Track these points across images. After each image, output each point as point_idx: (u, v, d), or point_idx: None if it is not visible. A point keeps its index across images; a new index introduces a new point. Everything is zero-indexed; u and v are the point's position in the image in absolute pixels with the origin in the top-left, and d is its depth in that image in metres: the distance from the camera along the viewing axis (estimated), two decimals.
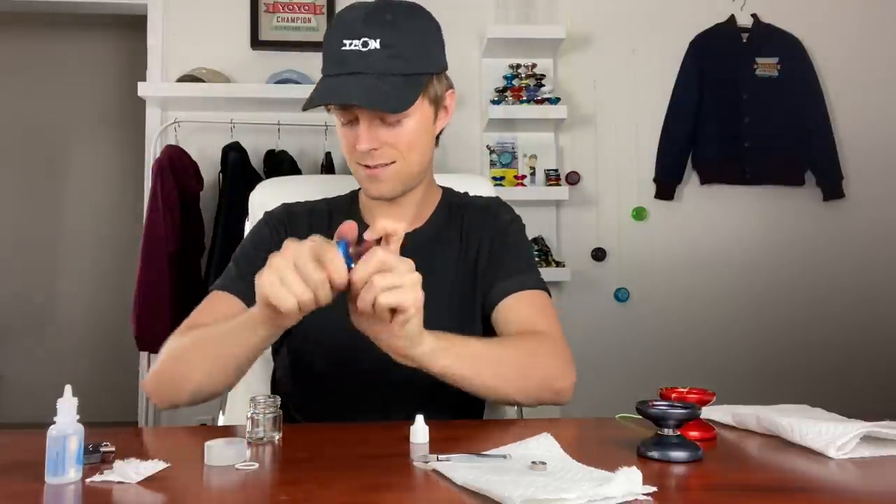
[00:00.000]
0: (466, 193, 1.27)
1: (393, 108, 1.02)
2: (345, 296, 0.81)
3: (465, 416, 1.14)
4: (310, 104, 1.03)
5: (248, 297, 0.95)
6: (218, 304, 1.09)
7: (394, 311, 0.79)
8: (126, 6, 3.02)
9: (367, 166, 1.07)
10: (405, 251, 0.87)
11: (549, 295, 1.16)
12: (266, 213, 1.21)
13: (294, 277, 0.76)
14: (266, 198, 1.35)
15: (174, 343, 1.02)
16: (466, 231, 1.18)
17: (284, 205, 1.22)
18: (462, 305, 1.15)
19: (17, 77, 4.40)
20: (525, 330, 1.08)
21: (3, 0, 3.15)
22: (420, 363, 0.89)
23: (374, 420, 1.03)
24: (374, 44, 1.00)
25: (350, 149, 1.07)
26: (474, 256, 1.17)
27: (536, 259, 2.79)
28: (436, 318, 0.91)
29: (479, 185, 1.38)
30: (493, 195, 1.32)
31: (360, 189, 1.20)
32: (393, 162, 1.07)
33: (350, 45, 1.01)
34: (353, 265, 0.78)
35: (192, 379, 0.97)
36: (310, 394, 1.16)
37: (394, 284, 0.77)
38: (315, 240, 0.79)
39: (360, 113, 1.03)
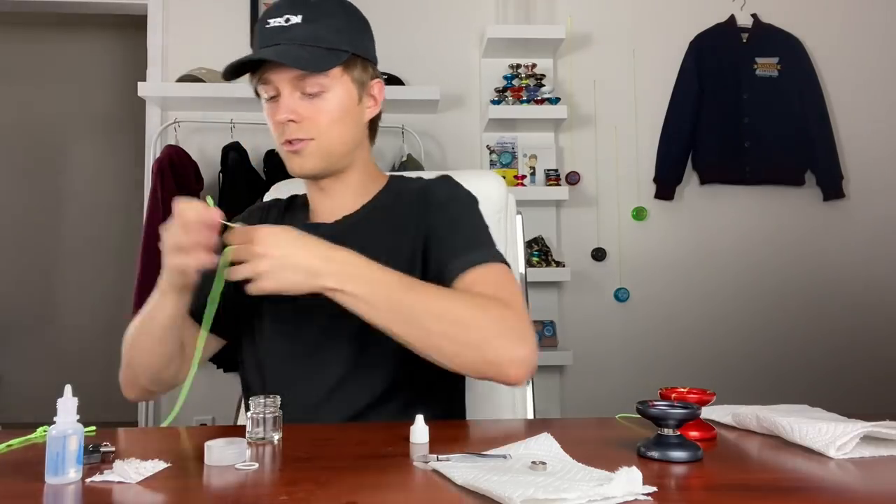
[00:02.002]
0: (415, 177, 1.23)
1: (305, 67, 1.02)
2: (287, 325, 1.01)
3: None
4: (228, 69, 1.05)
5: (197, 296, 1.05)
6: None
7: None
8: (126, 6, 3.02)
9: (289, 143, 1.06)
10: (333, 235, 0.95)
11: (509, 267, 1.05)
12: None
13: (175, 245, 0.95)
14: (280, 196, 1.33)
15: (126, 335, 1.10)
16: (403, 213, 1.11)
17: (255, 205, 1.27)
18: None
19: (18, 77, 4.40)
20: None
21: (4, 0, 3.15)
22: (334, 297, 0.90)
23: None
24: (296, 19, 1.03)
25: (274, 125, 1.07)
26: (409, 242, 1.09)
27: (536, 260, 2.79)
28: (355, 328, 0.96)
29: (488, 180, 1.35)
30: (501, 191, 1.31)
31: None
32: (312, 139, 1.06)
33: (273, 22, 1.05)
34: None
35: (143, 363, 1.07)
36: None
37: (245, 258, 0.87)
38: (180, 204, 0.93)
39: (281, 84, 1.04)
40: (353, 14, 1.11)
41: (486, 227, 1.10)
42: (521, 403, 1.31)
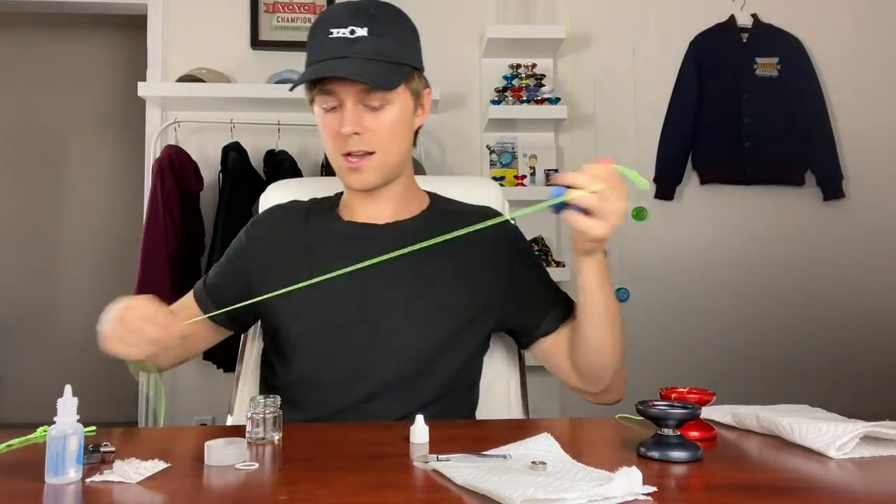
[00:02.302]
0: (456, 200, 1.26)
1: (380, 85, 1.03)
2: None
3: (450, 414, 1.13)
4: (301, 80, 1.07)
5: (207, 307, 1.16)
6: (183, 307, 1.20)
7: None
8: (126, 6, 3.02)
9: (349, 156, 1.08)
10: (385, 239, 1.07)
11: None
12: (254, 216, 1.28)
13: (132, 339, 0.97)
14: (275, 199, 1.35)
15: None
16: (460, 238, 1.12)
17: (273, 205, 1.27)
18: (444, 304, 1.12)
19: (18, 77, 4.39)
20: None
21: (4, 0, 3.15)
22: (594, 265, 1.02)
23: (358, 407, 1.07)
24: (362, 31, 1.03)
25: (333, 136, 1.08)
26: (472, 263, 1.14)
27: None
28: (409, 308, 1.09)
29: (483, 187, 1.38)
30: (498, 198, 1.36)
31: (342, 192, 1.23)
32: (373, 152, 1.08)
33: (337, 32, 1.04)
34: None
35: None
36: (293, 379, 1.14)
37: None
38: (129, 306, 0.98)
39: (346, 96, 1.05)
40: (409, 23, 1.13)
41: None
42: (516, 403, 1.32)
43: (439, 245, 1.04)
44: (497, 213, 1.21)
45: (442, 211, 1.21)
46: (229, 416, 1.34)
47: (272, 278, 1.09)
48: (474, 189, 1.35)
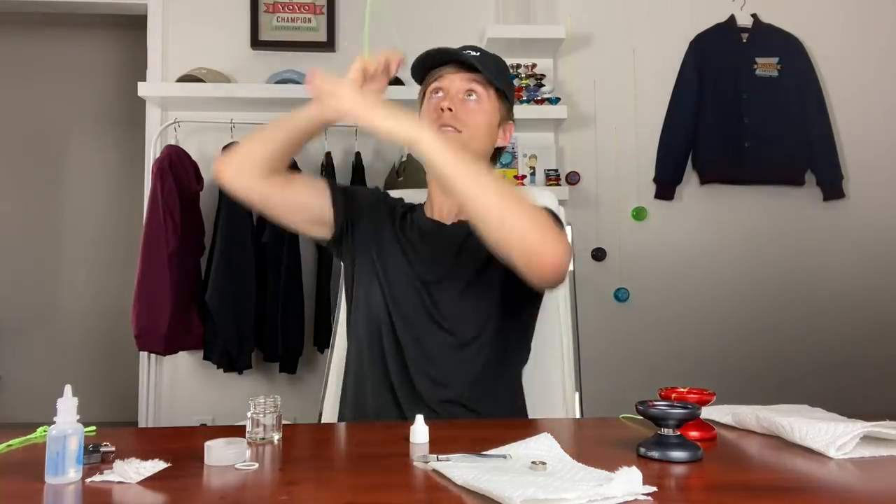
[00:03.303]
0: None
1: (485, 73, 1.28)
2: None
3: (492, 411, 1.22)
4: (426, 57, 1.30)
5: (335, 199, 1.32)
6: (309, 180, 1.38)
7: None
8: (126, 6, 3.02)
9: (443, 126, 1.26)
10: (440, 237, 1.30)
11: (561, 223, 1.24)
12: (383, 192, 1.47)
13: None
14: None
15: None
16: None
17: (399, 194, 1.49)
18: (481, 291, 1.26)
19: (17, 77, 4.39)
20: None
21: (3, 0, 3.15)
22: (408, 132, 1.05)
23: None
24: (474, 53, 1.31)
25: (435, 112, 1.28)
26: None
27: None
28: (457, 302, 1.23)
29: (540, 196, 1.53)
30: (552, 205, 1.52)
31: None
32: (459, 130, 1.27)
33: (451, 48, 1.31)
34: None
35: (264, 149, 1.23)
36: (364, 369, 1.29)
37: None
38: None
39: (452, 83, 1.29)
40: (507, 70, 1.39)
41: (556, 215, 1.25)
42: (571, 403, 1.41)
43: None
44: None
45: None
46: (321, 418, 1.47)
47: (378, 240, 1.31)
48: (530, 196, 1.47)
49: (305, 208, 1.30)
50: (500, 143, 1.37)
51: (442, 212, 1.35)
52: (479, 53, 1.31)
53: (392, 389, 1.22)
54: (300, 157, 2.78)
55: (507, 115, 1.38)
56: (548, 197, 1.54)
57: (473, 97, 1.29)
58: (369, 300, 1.28)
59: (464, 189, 1.04)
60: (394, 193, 1.50)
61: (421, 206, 1.41)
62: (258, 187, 1.22)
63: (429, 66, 1.32)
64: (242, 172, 1.22)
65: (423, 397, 1.19)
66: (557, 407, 1.39)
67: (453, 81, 1.29)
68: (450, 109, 1.26)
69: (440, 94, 1.30)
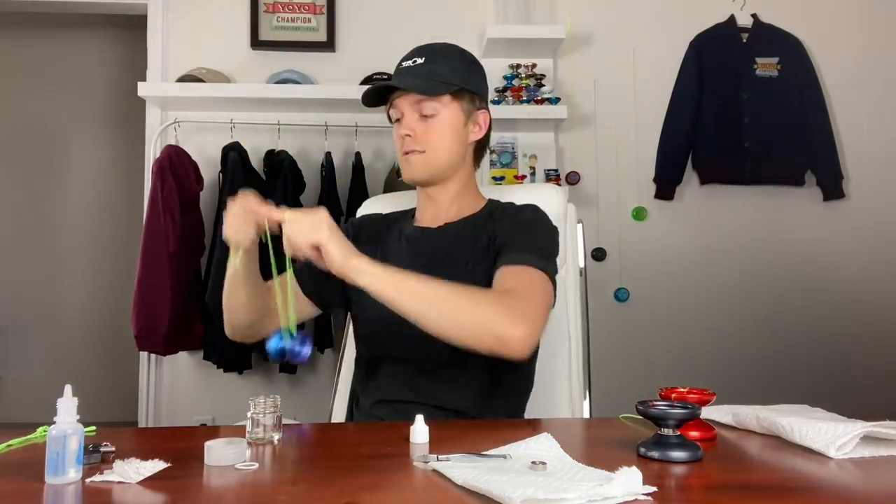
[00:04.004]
0: (511, 203, 1.38)
1: (421, 90, 1.27)
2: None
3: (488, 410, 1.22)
4: (365, 96, 1.32)
5: (306, 288, 1.34)
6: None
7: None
8: (126, 6, 3.02)
9: (405, 153, 1.30)
10: (430, 241, 1.31)
11: (553, 284, 1.17)
12: (351, 219, 1.52)
13: (239, 224, 1.11)
14: (372, 211, 1.54)
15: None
16: (493, 229, 1.29)
17: (367, 214, 1.53)
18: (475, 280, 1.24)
19: (18, 77, 4.39)
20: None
21: (3, 0, 3.15)
22: (350, 278, 1.04)
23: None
24: (420, 60, 1.30)
25: (399, 141, 1.31)
26: (484, 250, 1.26)
27: None
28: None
29: (547, 192, 1.54)
30: (560, 203, 1.51)
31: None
32: (423, 151, 1.29)
33: (405, 63, 1.32)
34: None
35: (239, 320, 1.26)
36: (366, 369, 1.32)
37: (297, 231, 1.03)
38: (245, 195, 1.12)
39: (403, 107, 1.30)
40: (469, 60, 1.36)
41: (550, 246, 1.25)
42: (578, 404, 1.43)
43: (470, 236, 1.29)
44: (535, 206, 1.33)
45: (487, 210, 1.36)
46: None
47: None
48: (536, 193, 1.49)
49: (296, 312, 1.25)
50: (475, 137, 1.35)
51: (425, 217, 1.37)
52: (422, 60, 1.30)
53: (391, 399, 1.24)
54: (299, 158, 2.78)
55: (475, 106, 1.35)
56: (552, 194, 1.52)
57: (429, 116, 1.29)
58: (364, 313, 1.31)
59: (413, 315, 1.04)
60: (373, 206, 1.56)
61: (413, 211, 1.43)
62: (259, 330, 1.26)
63: (380, 95, 1.32)
64: (237, 331, 1.28)
65: (422, 406, 1.18)
66: (563, 410, 1.39)
67: (404, 107, 1.30)
68: (409, 136, 1.29)
69: (399, 120, 1.32)
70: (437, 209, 1.36)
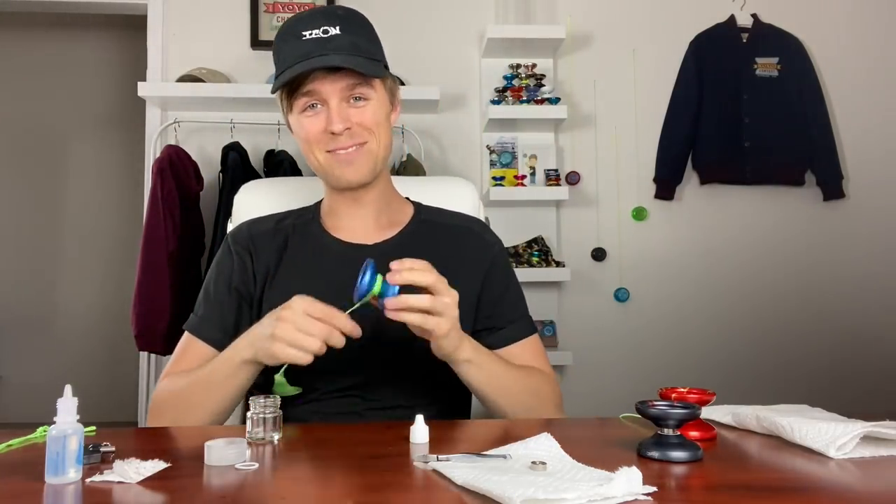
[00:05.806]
0: (441, 210, 1.25)
1: (369, 72, 1.06)
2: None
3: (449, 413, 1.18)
4: (286, 79, 1.04)
5: (217, 343, 1.08)
6: (193, 353, 1.12)
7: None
8: (126, 6, 3.02)
9: (339, 151, 1.08)
10: (381, 255, 1.00)
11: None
12: (230, 235, 1.21)
13: (303, 338, 0.89)
14: (251, 199, 1.37)
15: (167, 392, 1.08)
16: (446, 254, 1.11)
17: (249, 225, 1.21)
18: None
19: (18, 77, 4.40)
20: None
21: (4, 0, 3.15)
22: (452, 361, 0.99)
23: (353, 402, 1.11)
24: (334, 30, 1.05)
25: (316, 136, 1.08)
26: (461, 283, 0.99)
27: (536, 260, 2.79)
28: (399, 331, 0.95)
29: (457, 187, 1.40)
30: (473, 199, 1.38)
31: (320, 201, 1.22)
32: (365, 142, 1.09)
33: (310, 34, 1.04)
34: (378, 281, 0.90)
35: (196, 417, 1.03)
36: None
37: (449, 307, 0.91)
38: (307, 299, 0.91)
39: (331, 94, 1.06)
40: (372, 26, 1.14)
41: (518, 284, 1.24)
42: None
43: (424, 257, 0.98)
44: (485, 227, 1.25)
45: (428, 224, 1.21)
46: None
47: (278, 286, 1.12)
48: (450, 189, 1.37)
49: (243, 386, 1.03)
50: (394, 121, 1.17)
51: (350, 227, 1.16)
52: (336, 31, 1.04)
53: (358, 401, 1.12)
54: (299, 158, 2.78)
55: (394, 88, 1.15)
56: (464, 189, 1.39)
57: (362, 101, 1.08)
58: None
59: (488, 403, 1.07)
60: (252, 193, 1.36)
61: (311, 213, 1.21)
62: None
63: (291, 78, 1.05)
64: (169, 423, 1.05)
65: (381, 403, 1.12)
66: None
67: (331, 93, 1.05)
68: (348, 129, 1.06)
69: (317, 107, 1.07)
70: (366, 216, 1.16)
